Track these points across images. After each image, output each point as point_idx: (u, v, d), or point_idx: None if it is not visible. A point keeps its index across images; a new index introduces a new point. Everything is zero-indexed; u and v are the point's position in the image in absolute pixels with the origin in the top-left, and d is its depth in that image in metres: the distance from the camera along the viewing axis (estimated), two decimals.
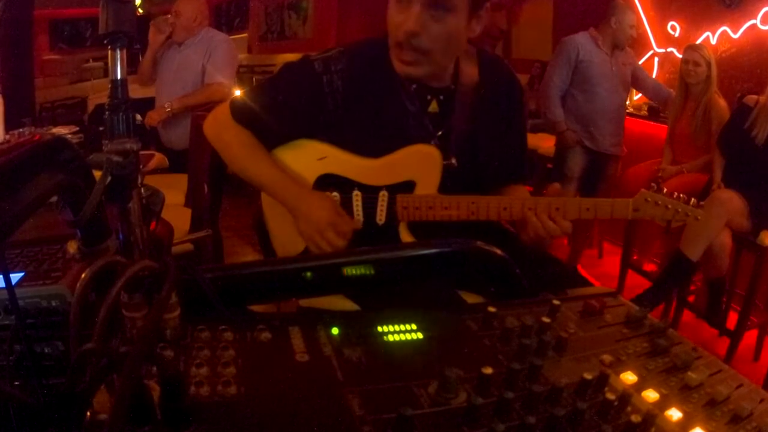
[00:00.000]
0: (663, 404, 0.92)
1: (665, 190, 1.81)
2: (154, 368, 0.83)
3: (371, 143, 1.83)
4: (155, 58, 5.05)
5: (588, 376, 0.91)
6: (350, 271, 1.23)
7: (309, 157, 1.88)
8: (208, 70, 4.80)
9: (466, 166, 1.87)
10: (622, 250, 4.96)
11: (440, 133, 1.88)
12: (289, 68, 1.93)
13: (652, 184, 1.83)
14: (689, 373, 1.00)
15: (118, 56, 1.02)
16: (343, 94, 1.83)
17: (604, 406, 0.88)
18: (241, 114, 1.89)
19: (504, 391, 0.86)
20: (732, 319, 4.05)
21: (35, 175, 0.81)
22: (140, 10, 10.02)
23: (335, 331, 1.07)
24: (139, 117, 4.63)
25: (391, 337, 1.07)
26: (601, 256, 5.83)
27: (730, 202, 3.80)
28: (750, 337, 4.05)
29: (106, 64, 1.04)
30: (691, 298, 4.42)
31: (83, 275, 0.84)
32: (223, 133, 1.92)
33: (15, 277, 1.08)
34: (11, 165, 0.76)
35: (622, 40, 4.86)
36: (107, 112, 0.99)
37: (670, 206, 1.79)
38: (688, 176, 4.58)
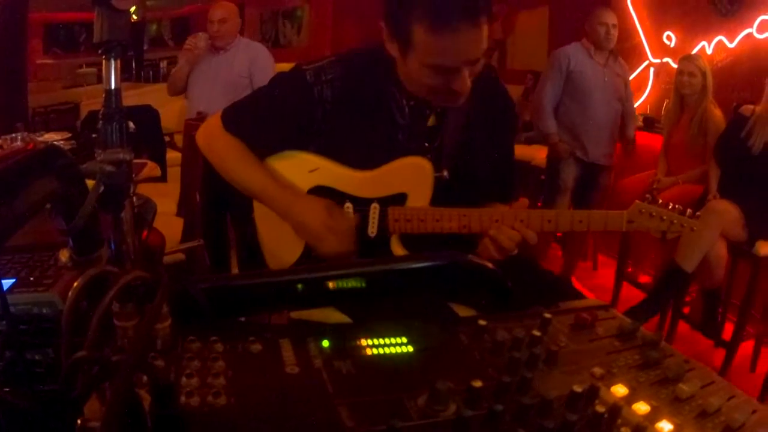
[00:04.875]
0: (654, 416, 0.92)
1: (660, 201, 1.80)
2: (145, 377, 0.83)
3: (359, 155, 1.83)
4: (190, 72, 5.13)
5: (578, 388, 0.91)
6: (341, 284, 1.24)
7: (301, 169, 1.88)
8: (259, 79, 4.78)
9: (457, 178, 1.87)
10: (617, 262, 4.96)
11: (435, 145, 1.88)
12: (281, 79, 1.93)
13: (647, 196, 1.82)
14: (680, 385, 0.99)
15: (113, 65, 1.02)
16: (332, 103, 1.83)
17: (594, 419, 0.88)
18: (232, 124, 1.89)
19: (494, 403, 0.86)
20: (728, 330, 4.04)
21: (30, 183, 0.81)
22: (134, 17, 10.03)
23: (325, 343, 1.06)
24: (132, 125, 4.65)
25: (381, 350, 1.07)
26: (595, 268, 5.82)
27: (726, 213, 3.80)
28: (746, 347, 4.04)
29: (100, 70, 1.04)
30: (686, 310, 4.41)
31: (75, 284, 0.84)
32: (215, 143, 1.92)
33: (6, 283, 1.08)
34: (6, 173, 0.76)
35: (598, 41, 4.86)
36: (101, 122, 1.00)
37: (665, 217, 1.78)
38: (683, 187, 4.56)
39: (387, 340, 1.09)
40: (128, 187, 1.01)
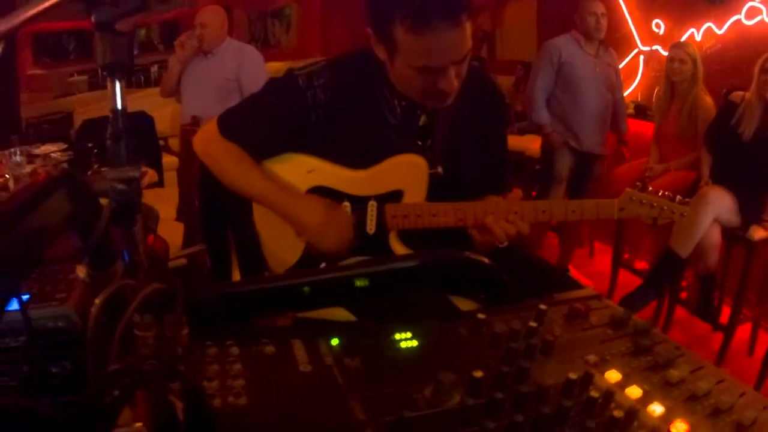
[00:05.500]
0: (645, 400, 0.98)
1: (651, 188, 1.83)
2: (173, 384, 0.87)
3: (355, 156, 1.87)
4: (181, 71, 5.10)
5: (573, 375, 0.96)
6: (346, 284, 1.28)
7: (298, 171, 1.92)
8: (247, 83, 4.79)
9: (451, 174, 1.90)
10: (613, 249, 4.98)
11: (428, 143, 1.91)
12: (274, 84, 1.96)
13: (638, 183, 1.85)
14: (671, 370, 1.05)
15: (118, 86, 1.05)
16: (325, 108, 1.85)
17: (588, 404, 0.93)
18: (228, 130, 1.92)
19: (494, 392, 0.91)
20: (725, 314, 4.07)
21: (49, 210, 0.85)
22: None
23: (335, 342, 1.12)
24: None
25: (387, 345, 1.13)
26: (592, 255, 5.85)
27: (719, 199, 3.83)
28: (744, 331, 4.08)
29: (91, 77, 1.07)
30: (683, 295, 4.44)
31: (96, 300, 0.88)
32: (212, 148, 1.95)
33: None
34: (28, 205, 0.80)
35: (588, 31, 4.87)
36: (109, 141, 1.03)
37: (655, 204, 1.80)
38: (675, 174, 4.59)
39: (393, 336, 1.15)
40: (139, 202, 1.05)
